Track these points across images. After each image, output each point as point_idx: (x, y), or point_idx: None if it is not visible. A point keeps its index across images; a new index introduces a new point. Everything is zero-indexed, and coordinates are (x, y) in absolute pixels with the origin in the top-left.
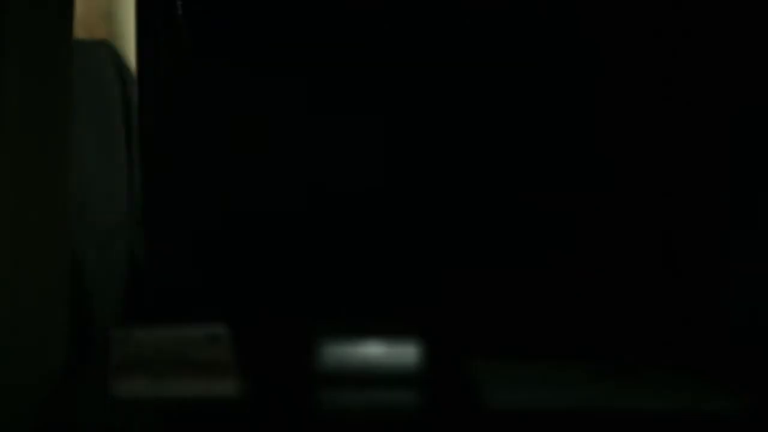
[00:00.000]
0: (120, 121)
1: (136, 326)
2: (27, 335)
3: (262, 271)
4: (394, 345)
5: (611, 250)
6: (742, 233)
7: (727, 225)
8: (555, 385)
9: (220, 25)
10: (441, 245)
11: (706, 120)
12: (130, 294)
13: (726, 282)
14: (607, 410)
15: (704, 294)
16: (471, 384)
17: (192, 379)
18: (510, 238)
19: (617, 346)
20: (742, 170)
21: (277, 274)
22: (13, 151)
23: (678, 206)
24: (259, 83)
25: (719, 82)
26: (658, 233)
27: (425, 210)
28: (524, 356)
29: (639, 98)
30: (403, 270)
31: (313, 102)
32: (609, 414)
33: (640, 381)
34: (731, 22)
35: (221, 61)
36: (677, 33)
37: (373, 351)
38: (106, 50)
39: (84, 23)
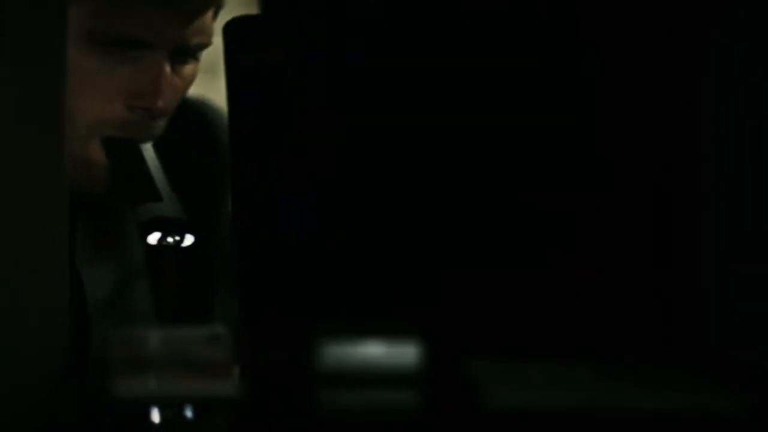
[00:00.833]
0: None
1: (136, 326)
2: (27, 335)
3: (262, 272)
4: (394, 345)
5: (611, 250)
6: (742, 233)
7: (727, 225)
8: (555, 385)
9: None
10: (441, 245)
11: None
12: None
13: (726, 282)
14: (608, 410)
15: (704, 294)
16: (471, 384)
17: (192, 379)
18: (510, 238)
19: (617, 346)
20: (741, 170)
21: (277, 274)
22: (11, 150)
23: (678, 206)
24: None
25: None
26: (657, 233)
27: (425, 210)
28: (524, 356)
29: (633, 100)
30: (402, 270)
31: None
32: (609, 414)
33: (640, 381)
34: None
35: None
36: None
37: (373, 351)
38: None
39: None
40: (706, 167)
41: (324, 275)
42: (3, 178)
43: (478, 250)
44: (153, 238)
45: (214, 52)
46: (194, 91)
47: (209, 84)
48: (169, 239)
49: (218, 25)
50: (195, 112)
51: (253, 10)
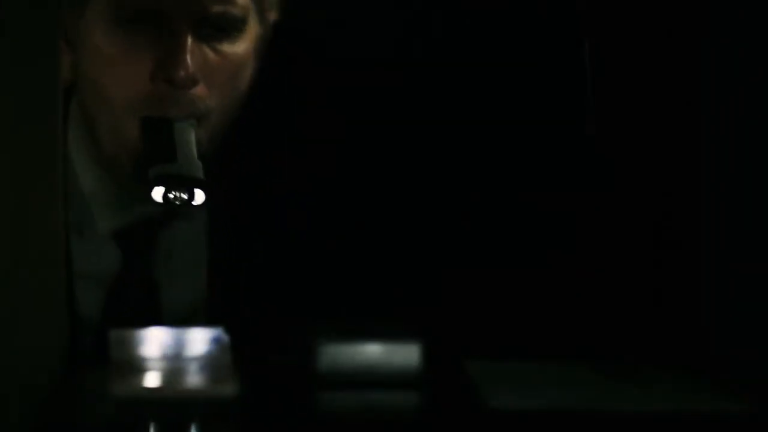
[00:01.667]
0: None
1: (135, 327)
2: (26, 335)
3: (262, 273)
4: (394, 346)
5: (611, 251)
6: (741, 233)
7: (726, 225)
8: (555, 385)
9: None
10: (440, 246)
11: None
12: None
13: (726, 282)
14: (608, 411)
15: (704, 294)
16: (471, 385)
17: (190, 380)
18: (509, 238)
19: (617, 346)
20: (741, 170)
21: (277, 275)
22: (8, 150)
23: (678, 207)
24: None
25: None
26: (657, 233)
27: (425, 210)
28: (524, 357)
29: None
30: (402, 271)
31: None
32: (609, 414)
33: (640, 381)
34: None
35: None
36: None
37: (373, 352)
38: None
39: None
40: (705, 167)
41: (324, 276)
42: (1, 178)
43: (478, 251)
44: (157, 194)
45: None
46: None
47: None
48: (173, 195)
49: None
50: None
51: None
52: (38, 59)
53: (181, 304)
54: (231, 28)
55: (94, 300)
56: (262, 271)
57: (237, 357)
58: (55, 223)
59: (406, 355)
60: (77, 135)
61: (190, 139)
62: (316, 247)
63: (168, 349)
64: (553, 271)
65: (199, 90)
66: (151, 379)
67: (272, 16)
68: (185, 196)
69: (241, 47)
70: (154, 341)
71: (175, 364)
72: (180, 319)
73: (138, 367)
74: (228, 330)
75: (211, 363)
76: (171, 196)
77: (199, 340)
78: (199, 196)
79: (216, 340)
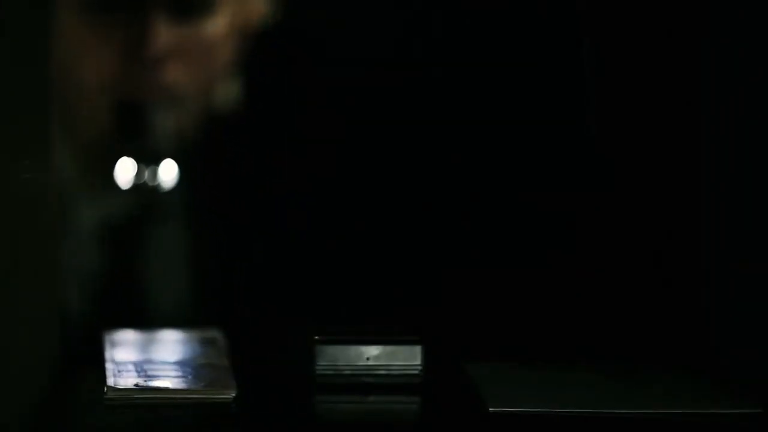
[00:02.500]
0: None
1: (130, 329)
2: (20, 336)
3: (263, 273)
4: (394, 347)
5: (611, 251)
6: (741, 234)
7: (726, 225)
8: (555, 386)
9: None
10: (440, 247)
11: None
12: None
13: (726, 282)
14: (608, 412)
15: (704, 294)
16: (471, 386)
17: (186, 382)
18: (509, 239)
19: (617, 347)
20: (741, 170)
21: (277, 276)
22: (4, 150)
23: (678, 207)
24: None
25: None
26: (657, 233)
27: (424, 211)
28: (524, 358)
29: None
30: (403, 272)
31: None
32: (609, 415)
33: (640, 383)
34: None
35: None
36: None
37: (373, 353)
38: None
39: None
40: (705, 167)
41: (324, 278)
42: None
43: (478, 252)
44: (124, 171)
45: None
46: None
47: None
48: (150, 179)
49: None
50: None
51: None
52: (31, 56)
53: (173, 304)
54: (201, 5)
55: (88, 300)
56: (260, 272)
57: (235, 358)
58: (48, 222)
59: (406, 356)
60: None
61: (166, 120)
62: (315, 247)
63: (164, 351)
64: (553, 271)
65: (172, 70)
66: (146, 382)
67: None
68: (155, 172)
69: (214, 25)
70: (148, 343)
71: (171, 365)
72: (176, 320)
73: (133, 369)
74: (226, 331)
75: (206, 365)
76: (140, 173)
77: (194, 342)
78: (170, 171)
79: (211, 343)
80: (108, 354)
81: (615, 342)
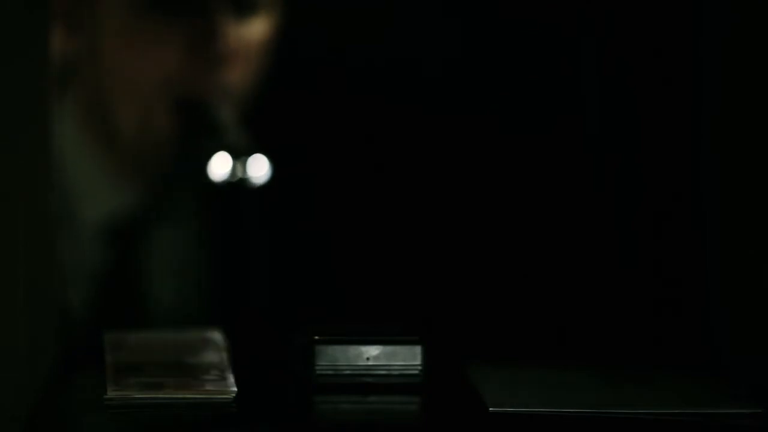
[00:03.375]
0: None
1: (130, 330)
2: (20, 336)
3: (263, 274)
4: (394, 347)
5: (612, 252)
6: (742, 234)
7: (727, 225)
8: (555, 387)
9: None
10: (440, 247)
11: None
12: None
13: (727, 282)
14: (608, 413)
15: (705, 295)
16: (471, 386)
17: (186, 383)
18: (509, 239)
19: (618, 348)
20: (741, 169)
21: (276, 275)
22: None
23: (678, 207)
24: None
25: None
26: (657, 234)
27: (424, 211)
28: (525, 359)
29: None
30: (403, 272)
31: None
32: (610, 416)
33: (640, 383)
34: None
35: None
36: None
37: (373, 353)
38: None
39: None
40: (705, 167)
41: (323, 277)
42: None
43: (479, 252)
44: (219, 173)
45: None
46: None
47: None
48: (239, 173)
49: None
50: None
51: None
52: (30, 52)
53: (173, 304)
54: (259, 4)
55: (88, 300)
56: (260, 272)
57: (235, 358)
58: (45, 222)
59: (406, 356)
60: (73, 122)
61: (229, 118)
62: (316, 247)
63: (162, 353)
64: (553, 271)
65: (231, 69)
66: (145, 384)
67: None
68: (247, 168)
69: (265, 24)
70: (147, 345)
71: (169, 367)
72: (176, 320)
73: (131, 371)
74: (226, 331)
75: (205, 367)
76: (232, 170)
77: (193, 343)
78: (263, 167)
79: (211, 344)
80: (108, 354)
81: (615, 342)
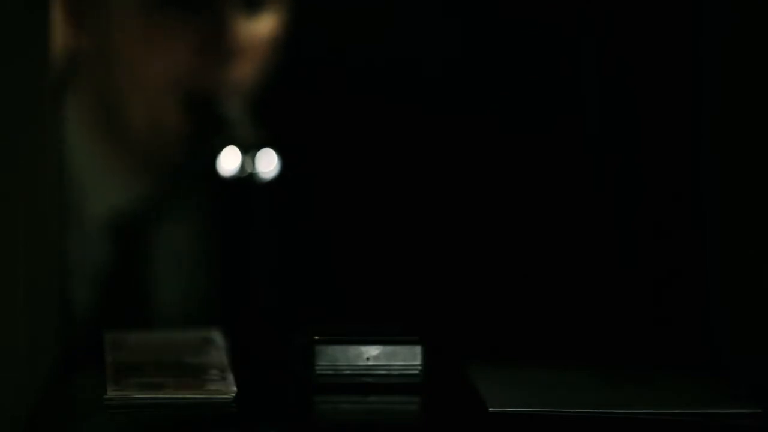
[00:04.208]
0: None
1: (130, 330)
2: (19, 338)
3: (263, 274)
4: (394, 347)
5: (612, 252)
6: (742, 234)
7: (727, 225)
8: (555, 387)
9: None
10: (441, 247)
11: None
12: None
13: (727, 282)
14: (608, 412)
15: (705, 295)
16: (471, 386)
17: (186, 383)
18: (509, 239)
19: (618, 348)
20: (740, 169)
21: (278, 276)
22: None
23: (678, 207)
24: None
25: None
26: (657, 234)
27: (424, 211)
28: (525, 359)
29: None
30: (403, 272)
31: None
32: (610, 416)
33: (640, 383)
34: None
35: None
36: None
37: (373, 353)
38: None
39: None
40: (705, 167)
41: (323, 277)
42: None
43: (478, 252)
44: (229, 168)
45: None
46: None
47: None
48: (248, 168)
49: None
50: None
51: None
52: (30, 51)
53: (174, 303)
54: (267, 0)
55: (88, 299)
56: (261, 271)
57: (235, 358)
58: (48, 220)
59: (405, 356)
60: (82, 119)
61: (238, 114)
62: (316, 247)
63: (162, 353)
64: (552, 270)
65: (241, 64)
66: (145, 383)
67: None
68: (258, 163)
69: (273, 19)
70: (147, 344)
71: (168, 367)
72: (176, 320)
73: (131, 370)
74: (226, 331)
75: (205, 367)
76: (243, 165)
77: (193, 343)
78: (273, 161)
79: (210, 344)
80: (108, 354)
81: (615, 342)
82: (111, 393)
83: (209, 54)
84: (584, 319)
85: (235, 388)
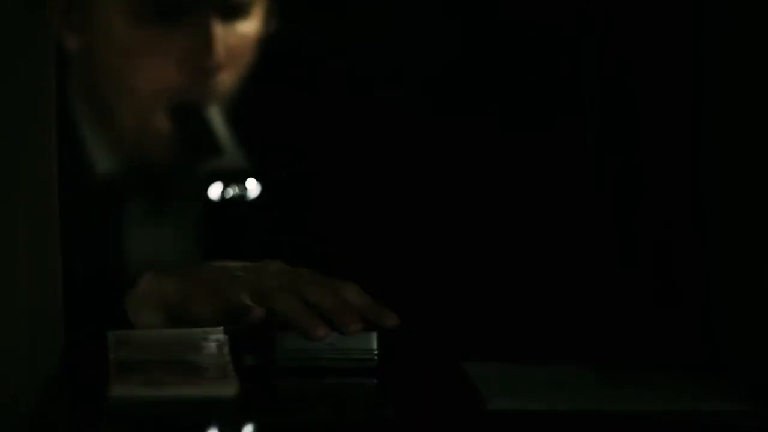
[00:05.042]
0: None
1: (132, 328)
2: (21, 336)
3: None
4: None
5: (611, 252)
6: (742, 234)
7: (727, 226)
8: (555, 387)
9: None
10: (441, 247)
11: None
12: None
13: (727, 282)
14: (608, 412)
15: (705, 295)
16: (470, 386)
17: (189, 380)
18: (509, 239)
19: (618, 347)
20: (740, 169)
21: None
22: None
23: (678, 207)
24: None
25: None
26: (657, 234)
27: (424, 211)
28: (524, 358)
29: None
30: (403, 272)
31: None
32: (610, 416)
33: (640, 382)
34: None
35: None
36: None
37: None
38: None
39: None
40: (705, 167)
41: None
42: None
43: (478, 252)
44: (215, 193)
45: None
46: None
47: None
48: (230, 191)
49: None
50: None
51: None
52: (30, 51)
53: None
54: (248, 7)
55: (90, 297)
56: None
57: (235, 358)
58: (48, 221)
59: (362, 341)
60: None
61: (221, 124)
62: (315, 246)
63: (164, 351)
64: (553, 271)
65: (224, 73)
66: (148, 381)
67: None
68: (241, 191)
69: (254, 25)
70: (150, 342)
71: (171, 365)
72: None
73: (134, 368)
74: (227, 330)
75: (208, 364)
76: (227, 192)
77: (195, 341)
78: (254, 189)
79: (213, 342)
80: (111, 352)
81: (615, 342)
82: (113, 391)
83: (198, 66)
84: (584, 319)
85: (236, 387)
